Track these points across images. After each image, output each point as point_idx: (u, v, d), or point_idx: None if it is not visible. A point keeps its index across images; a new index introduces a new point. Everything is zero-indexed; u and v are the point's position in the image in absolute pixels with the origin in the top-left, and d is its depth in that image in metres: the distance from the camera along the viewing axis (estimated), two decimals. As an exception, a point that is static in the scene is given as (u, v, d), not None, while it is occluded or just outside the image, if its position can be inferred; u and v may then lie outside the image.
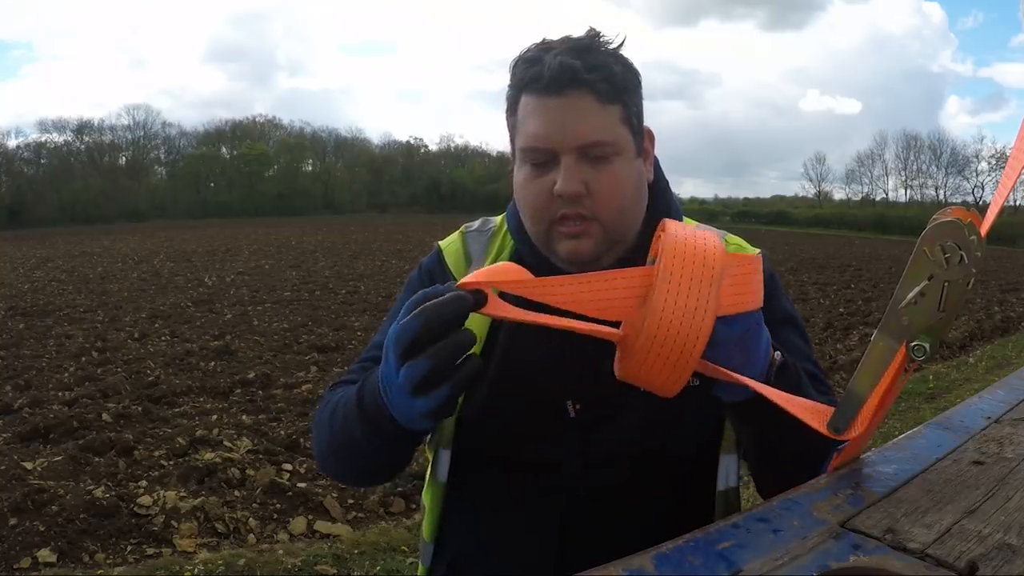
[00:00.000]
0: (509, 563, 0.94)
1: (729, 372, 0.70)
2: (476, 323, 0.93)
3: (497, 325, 0.94)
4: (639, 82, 0.90)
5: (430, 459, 1.02)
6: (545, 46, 0.87)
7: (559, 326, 0.68)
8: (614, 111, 0.86)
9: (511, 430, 0.93)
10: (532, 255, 0.94)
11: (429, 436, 1.01)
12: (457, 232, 1.05)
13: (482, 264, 0.97)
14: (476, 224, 1.05)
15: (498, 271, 0.69)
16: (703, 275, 0.63)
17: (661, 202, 0.96)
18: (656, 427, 0.90)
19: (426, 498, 1.03)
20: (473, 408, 0.92)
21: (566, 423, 0.91)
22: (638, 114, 0.90)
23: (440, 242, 1.05)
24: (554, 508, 0.92)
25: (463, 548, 1.00)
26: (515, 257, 0.96)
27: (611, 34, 0.88)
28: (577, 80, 0.84)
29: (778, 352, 0.78)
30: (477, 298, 0.66)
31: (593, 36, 0.88)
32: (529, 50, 0.89)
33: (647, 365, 0.64)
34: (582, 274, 0.67)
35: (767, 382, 0.74)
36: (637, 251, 0.91)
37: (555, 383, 0.92)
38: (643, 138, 0.92)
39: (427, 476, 1.03)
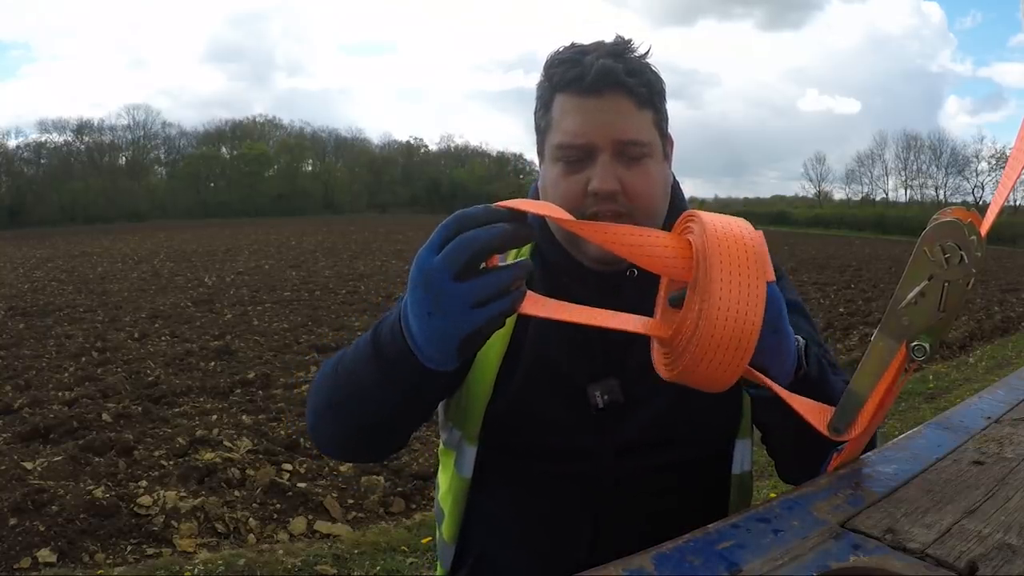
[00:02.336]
0: (541, 555, 0.95)
1: (756, 373, 0.70)
2: None
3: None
4: (665, 90, 0.94)
5: (450, 460, 1.01)
6: (581, 49, 0.90)
7: (592, 323, 0.67)
8: (647, 115, 0.90)
9: (540, 420, 0.94)
10: (553, 252, 0.96)
11: (443, 415, 1.01)
12: None
13: (504, 257, 0.98)
14: None
15: (538, 205, 0.68)
16: (751, 264, 0.63)
17: (676, 203, 0.99)
18: (683, 414, 0.92)
19: (445, 501, 1.02)
20: (503, 399, 0.93)
21: (595, 411, 0.93)
22: (666, 120, 0.94)
23: None
24: (586, 497, 0.94)
25: (488, 545, 1.00)
26: (536, 254, 0.98)
27: (637, 42, 0.92)
28: (618, 82, 0.87)
29: (798, 336, 0.80)
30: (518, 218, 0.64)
31: (625, 42, 0.91)
32: (563, 51, 0.91)
33: (707, 363, 0.63)
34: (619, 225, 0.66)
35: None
36: None
37: (583, 372, 0.93)
38: (668, 144, 0.96)
39: (446, 479, 1.03)
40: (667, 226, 0.96)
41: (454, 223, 0.63)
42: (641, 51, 0.91)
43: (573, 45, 0.92)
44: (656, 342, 0.71)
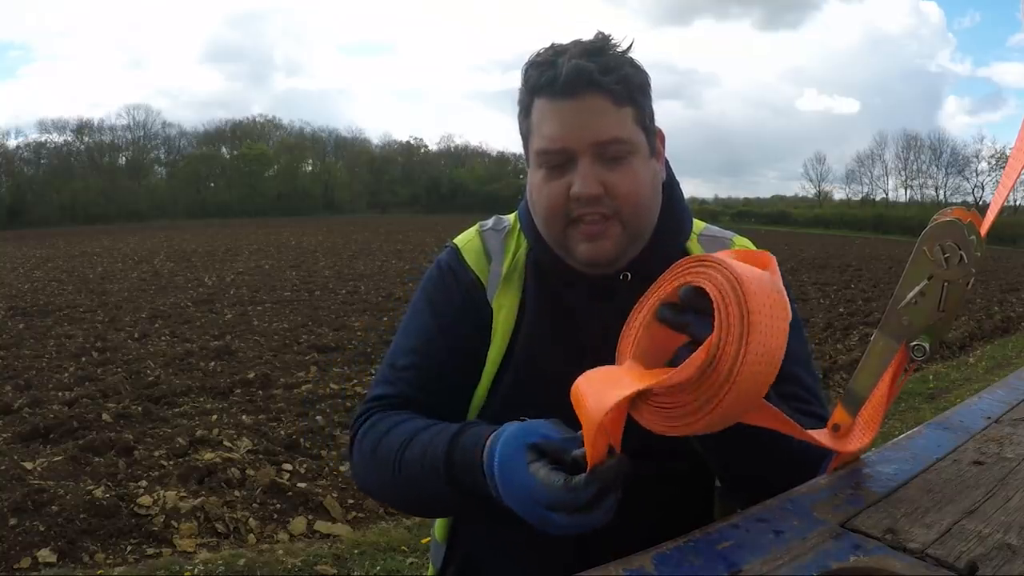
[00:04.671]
0: (528, 559, 0.95)
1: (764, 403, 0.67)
2: (504, 310, 0.94)
3: (522, 313, 0.95)
4: (649, 84, 0.91)
5: None
6: (557, 50, 0.88)
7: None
8: (628, 112, 0.88)
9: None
10: (545, 254, 0.95)
11: None
12: (473, 230, 1.05)
13: (502, 261, 0.99)
14: (491, 222, 1.06)
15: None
16: (782, 309, 0.61)
17: (673, 202, 0.97)
18: None
19: None
20: (495, 398, 0.93)
21: None
22: (650, 115, 0.92)
23: (456, 240, 1.05)
24: None
25: (477, 546, 1.00)
26: (530, 256, 0.98)
27: (619, 36, 0.89)
28: (592, 83, 0.85)
29: None
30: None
31: (604, 39, 0.89)
32: (540, 54, 0.89)
33: (726, 414, 0.61)
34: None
35: None
36: (652, 250, 0.93)
37: (572, 378, 0.92)
38: (655, 138, 0.93)
39: None
40: (661, 225, 0.94)
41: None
42: (623, 47, 0.89)
43: (552, 46, 0.90)
44: (655, 400, 0.68)
